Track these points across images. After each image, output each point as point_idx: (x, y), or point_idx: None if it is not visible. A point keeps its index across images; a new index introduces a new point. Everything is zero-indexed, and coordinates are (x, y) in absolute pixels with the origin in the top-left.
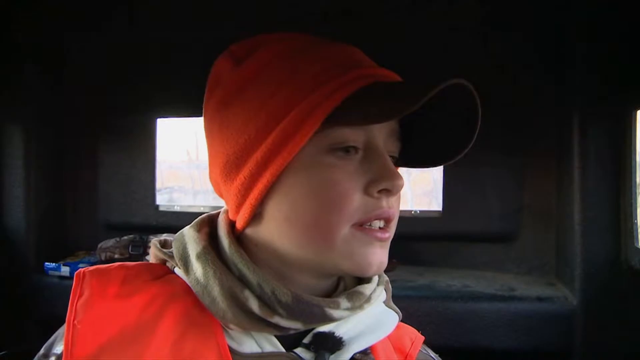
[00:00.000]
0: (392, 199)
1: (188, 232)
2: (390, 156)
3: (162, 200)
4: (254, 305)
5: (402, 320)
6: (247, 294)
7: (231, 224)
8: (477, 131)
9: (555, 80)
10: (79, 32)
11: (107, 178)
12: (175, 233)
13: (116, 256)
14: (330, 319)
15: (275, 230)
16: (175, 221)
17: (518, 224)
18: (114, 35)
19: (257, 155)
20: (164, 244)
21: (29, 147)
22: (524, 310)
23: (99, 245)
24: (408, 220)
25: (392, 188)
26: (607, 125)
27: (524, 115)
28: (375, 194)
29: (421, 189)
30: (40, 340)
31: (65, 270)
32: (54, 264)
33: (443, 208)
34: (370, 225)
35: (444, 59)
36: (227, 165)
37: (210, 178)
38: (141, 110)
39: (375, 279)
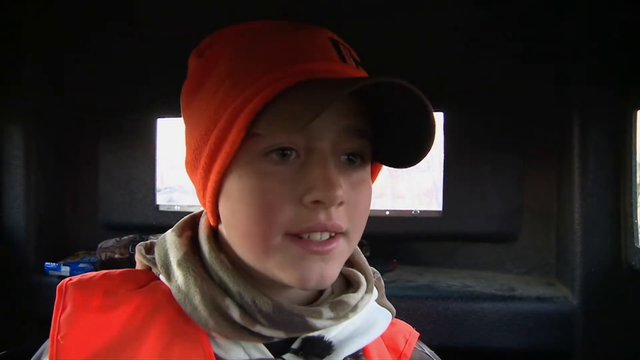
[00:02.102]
0: (341, 209)
1: (170, 237)
2: (350, 154)
3: (162, 200)
4: (235, 313)
5: (398, 317)
6: (228, 302)
7: (212, 227)
8: (433, 136)
9: (555, 80)
10: (79, 32)
11: (107, 178)
12: None
13: (116, 256)
14: (312, 329)
15: (227, 234)
16: (175, 221)
17: (518, 224)
18: (114, 35)
19: (204, 156)
20: (149, 248)
21: (29, 147)
22: (524, 310)
23: (99, 245)
24: (408, 220)
25: (324, 199)
26: (607, 125)
27: (524, 115)
28: (310, 205)
29: (421, 189)
30: (41, 340)
31: (65, 270)
32: (54, 264)
33: (443, 208)
34: (309, 236)
35: (444, 59)
36: (190, 160)
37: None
38: (141, 110)
39: (363, 287)
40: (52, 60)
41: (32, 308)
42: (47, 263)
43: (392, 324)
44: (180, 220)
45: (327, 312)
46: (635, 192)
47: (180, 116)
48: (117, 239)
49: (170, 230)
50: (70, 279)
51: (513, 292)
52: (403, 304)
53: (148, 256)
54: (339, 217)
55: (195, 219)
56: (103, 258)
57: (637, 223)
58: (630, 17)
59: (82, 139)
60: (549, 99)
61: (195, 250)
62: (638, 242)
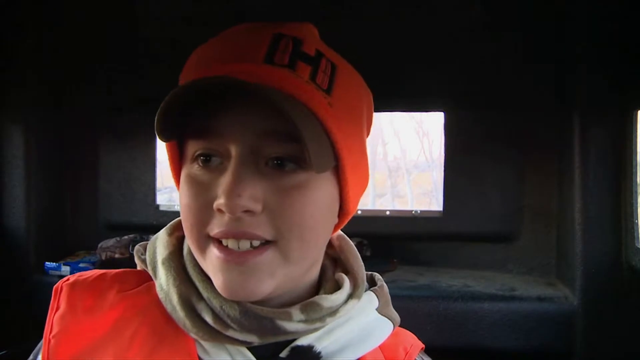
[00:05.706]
0: (261, 217)
1: (161, 236)
2: (277, 159)
3: (162, 199)
4: (208, 317)
5: (402, 324)
6: (202, 305)
7: None
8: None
9: (555, 80)
10: (78, 32)
11: (107, 178)
12: None
13: (116, 256)
14: (284, 332)
15: None
16: None
17: (518, 224)
18: (114, 35)
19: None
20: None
21: (29, 147)
22: (524, 310)
23: (99, 245)
24: (408, 220)
25: (223, 207)
26: (607, 125)
27: (524, 115)
28: (218, 212)
29: (421, 189)
30: (40, 340)
31: (65, 270)
32: (54, 263)
33: (443, 208)
34: (227, 245)
35: (444, 60)
36: None
37: None
38: (141, 111)
39: (345, 290)
40: (52, 60)
41: (33, 308)
42: (47, 263)
43: (395, 334)
44: (175, 219)
45: (297, 314)
46: (636, 192)
47: None
48: (118, 238)
49: (163, 229)
50: (67, 279)
51: (513, 292)
52: (403, 304)
53: (142, 256)
54: (256, 225)
55: None
56: (103, 258)
57: (637, 223)
58: (630, 17)
59: (82, 139)
60: (549, 99)
61: (182, 251)
62: (638, 242)
